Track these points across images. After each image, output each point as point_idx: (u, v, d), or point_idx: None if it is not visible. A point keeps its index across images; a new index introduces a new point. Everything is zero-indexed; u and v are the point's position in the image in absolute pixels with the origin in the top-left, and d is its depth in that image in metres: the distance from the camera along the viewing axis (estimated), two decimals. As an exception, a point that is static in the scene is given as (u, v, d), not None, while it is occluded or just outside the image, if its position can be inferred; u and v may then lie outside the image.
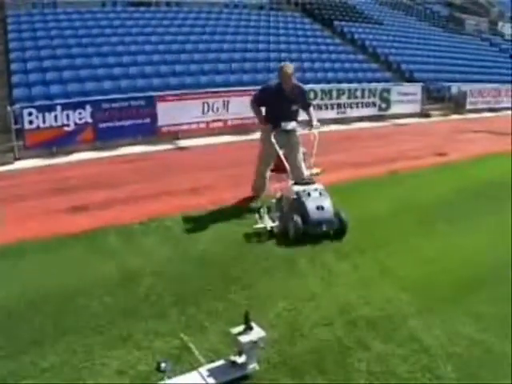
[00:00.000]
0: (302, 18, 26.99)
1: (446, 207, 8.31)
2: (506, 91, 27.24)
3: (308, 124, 8.12)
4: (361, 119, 19.78)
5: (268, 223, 6.93)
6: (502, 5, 45.44)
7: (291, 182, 7.30)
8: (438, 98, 23.83)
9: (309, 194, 6.90)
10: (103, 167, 11.75)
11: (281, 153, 7.66)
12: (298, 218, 6.63)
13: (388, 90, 21.49)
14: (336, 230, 6.78)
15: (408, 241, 6.73)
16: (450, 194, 9.05)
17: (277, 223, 6.95)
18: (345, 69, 22.02)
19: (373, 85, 21.15)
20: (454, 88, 24.35)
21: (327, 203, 6.85)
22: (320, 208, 6.75)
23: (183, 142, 15.05)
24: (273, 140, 7.68)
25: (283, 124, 7.94)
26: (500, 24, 40.75)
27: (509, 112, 25.62)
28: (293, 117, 8.18)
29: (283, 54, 21.23)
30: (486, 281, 5.53)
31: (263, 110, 8.34)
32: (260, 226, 6.90)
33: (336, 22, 27.19)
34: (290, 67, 7.95)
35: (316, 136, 7.75)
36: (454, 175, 10.81)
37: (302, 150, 8.27)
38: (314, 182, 7.17)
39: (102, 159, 12.71)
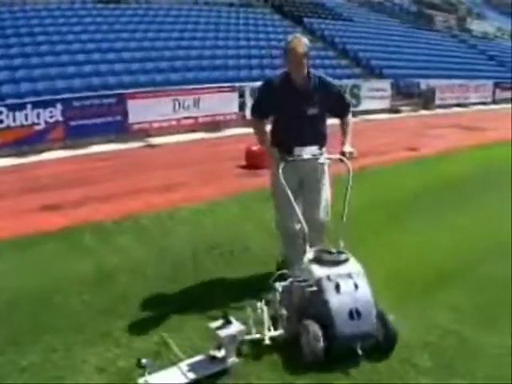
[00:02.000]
0: (271, 14, 27.09)
1: (416, 202, 8.41)
2: (474, 87, 27.66)
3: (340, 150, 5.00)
4: (329, 116, 19.87)
5: (266, 332, 4.14)
6: (470, 2, 46.12)
7: (308, 255, 4.39)
8: (407, 93, 24.16)
9: (337, 287, 4.01)
10: (75, 166, 11.69)
11: (292, 199, 4.64)
12: (316, 330, 3.89)
13: (358, 86, 21.69)
14: (378, 344, 4.06)
15: (380, 236, 6.81)
16: (421, 189, 9.17)
17: (281, 331, 4.21)
18: (315, 65, 22.03)
19: (343, 81, 21.27)
20: (423, 84, 24.68)
21: (367, 303, 4.02)
22: (355, 314, 3.94)
23: (154, 140, 15.05)
24: (281, 179, 4.64)
25: (297, 149, 4.82)
26: (468, 20, 41.31)
27: (476, 107, 26.04)
28: (312, 131, 5.00)
29: (253, 51, 21.31)
30: (457, 274, 5.64)
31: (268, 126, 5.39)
32: (252, 337, 4.12)
33: (306, 19, 27.30)
34: (301, 42, 4.81)
35: (350, 169, 4.77)
36: (425, 170, 10.97)
37: (328, 193, 5.26)
38: (346, 260, 4.27)
39: (73, 158, 12.66)
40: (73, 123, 13.98)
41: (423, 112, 23.66)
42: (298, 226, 5.01)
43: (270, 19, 26.27)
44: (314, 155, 4.88)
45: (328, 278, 4.06)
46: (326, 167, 5.11)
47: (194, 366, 3.77)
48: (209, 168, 10.93)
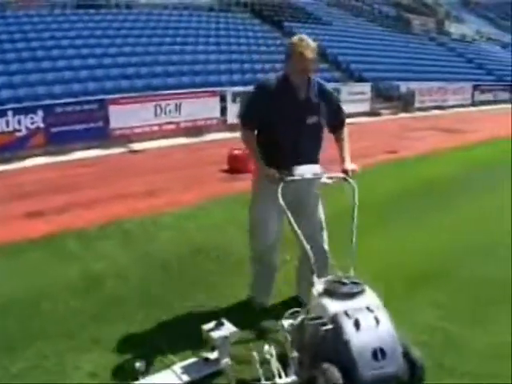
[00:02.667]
0: (251, 19, 27.14)
1: (398, 204, 8.52)
2: (452, 90, 27.93)
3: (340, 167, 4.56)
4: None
5: (278, 381, 3.62)
6: (448, 5, 46.56)
7: (317, 287, 3.78)
8: (387, 96, 24.32)
9: (357, 323, 3.40)
10: (57, 172, 11.61)
11: (295, 225, 4.03)
12: (336, 374, 3.26)
13: (338, 90, 21.72)
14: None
15: (361, 238, 6.86)
16: (402, 191, 9.30)
17: (293, 377, 3.66)
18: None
19: (323, 85, 21.39)
20: (403, 87, 24.88)
21: (391, 340, 3.42)
22: (379, 354, 3.33)
23: (136, 145, 14.99)
24: (280, 200, 4.04)
25: (297, 167, 4.22)
26: (447, 23, 41.69)
27: (455, 109, 26.28)
28: (310, 143, 4.58)
29: (234, 56, 21.37)
30: (439, 274, 5.74)
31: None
32: None
33: (286, 23, 27.40)
34: (310, 46, 4.20)
35: (355, 188, 4.39)
36: (405, 172, 11.10)
37: (322, 213, 4.87)
38: (363, 291, 3.67)
39: (55, 164, 12.57)
40: (54, 130, 13.89)
41: (403, 115, 23.83)
42: (275, 256, 4.86)
43: (250, 24, 26.34)
44: (315, 174, 4.31)
45: (346, 313, 3.44)
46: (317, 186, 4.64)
47: (187, 369, 3.80)
48: (191, 173, 10.96)
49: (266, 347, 3.76)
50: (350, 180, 4.38)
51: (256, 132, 4.56)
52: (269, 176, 4.23)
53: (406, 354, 3.45)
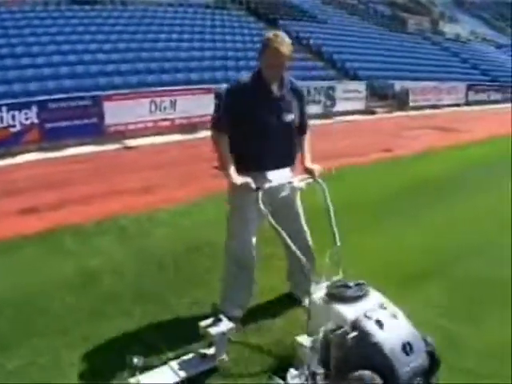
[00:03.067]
0: (246, 16, 27.12)
1: (393, 202, 8.52)
2: (447, 89, 28.02)
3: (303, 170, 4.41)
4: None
5: None
6: (443, 5, 46.67)
7: (318, 293, 3.71)
8: (381, 95, 24.34)
9: (379, 323, 3.38)
10: (51, 168, 11.58)
11: (279, 228, 4.03)
12: (375, 378, 3.22)
13: (333, 88, 21.86)
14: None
15: (358, 237, 6.87)
16: (397, 189, 9.30)
17: None
18: (290, 67, 22.20)
19: (318, 83, 21.43)
20: (398, 85, 24.93)
21: (412, 333, 3.48)
22: (408, 348, 3.35)
23: (131, 142, 14.97)
24: (262, 207, 3.91)
25: (270, 174, 4.18)
26: (441, 23, 41.80)
27: (450, 109, 26.36)
28: (288, 144, 4.37)
29: (229, 53, 21.35)
30: (434, 272, 5.77)
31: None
32: None
33: (281, 21, 27.38)
34: (285, 41, 4.12)
35: (325, 189, 4.23)
36: (399, 170, 11.12)
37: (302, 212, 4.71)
38: (369, 290, 3.69)
39: (49, 160, 12.54)
40: (48, 125, 13.86)
41: (398, 113, 23.90)
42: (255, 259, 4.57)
43: (245, 21, 26.31)
44: (289, 179, 4.25)
45: (366, 316, 3.41)
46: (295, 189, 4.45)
47: (184, 365, 3.79)
48: (186, 169, 10.94)
49: (293, 371, 3.50)
50: (320, 181, 4.25)
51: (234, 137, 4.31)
52: (243, 187, 4.01)
53: (426, 343, 3.49)
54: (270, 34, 4.20)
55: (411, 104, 25.51)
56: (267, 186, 3.98)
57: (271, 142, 4.23)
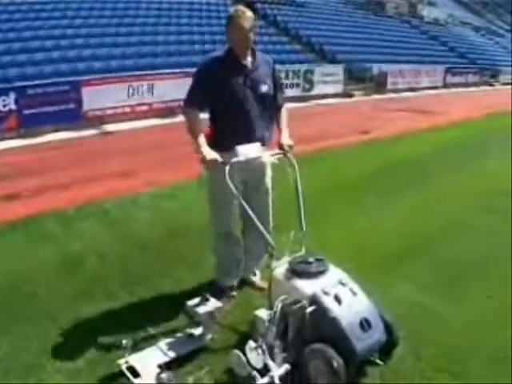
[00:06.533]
0: (224, 0, 27.00)
1: (370, 184, 8.65)
2: (425, 72, 28.22)
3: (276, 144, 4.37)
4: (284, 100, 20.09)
5: (274, 373, 3.42)
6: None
7: (279, 269, 3.77)
8: (359, 78, 24.47)
9: (337, 299, 3.48)
10: (31, 155, 11.51)
11: (248, 209, 3.90)
12: (331, 352, 3.32)
13: (311, 71, 21.91)
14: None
15: (341, 216, 6.99)
16: (374, 171, 9.45)
17: (286, 365, 3.51)
18: (267, 50, 22.15)
19: (296, 66, 21.49)
20: (376, 68, 25.04)
21: (371, 309, 3.59)
22: (365, 324, 3.46)
23: (109, 127, 14.97)
24: (229, 183, 3.83)
25: (241, 148, 4.02)
26: (419, 7, 41.92)
27: (428, 91, 26.55)
28: (264, 116, 4.40)
29: (207, 37, 21.29)
30: (412, 251, 5.88)
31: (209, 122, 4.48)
32: (261, 382, 3.41)
33: (259, 5, 27.30)
34: (246, 15, 4.17)
35: (296, 166, 4.16)
36: (378, 152, 11.25)
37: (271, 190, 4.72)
38: (329, 266, 3.75)
39: (29, 146, 12.44)
40: (27, 112, 13.72)
41: (375, 96, 24.03)
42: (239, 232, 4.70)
43: (223, 5, 26.18)
44: (258, 154, 4.17)
45: (324, 291, 3.48)
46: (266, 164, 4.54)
47: (172, 345, 3.85)
48: (167, 153, 10.93)
49: (252, 344, 3.49)
50: (290, 156, 4.22)
51: (209, 115, 4.42)
52: (212, 162, 4.00)
53: (383, 320, 3.60)
54: (233, 10, 4.29)
55: (389, 87, 25.66)
56: (234, 160, 3.94)
57: (248, 115, 4.29)
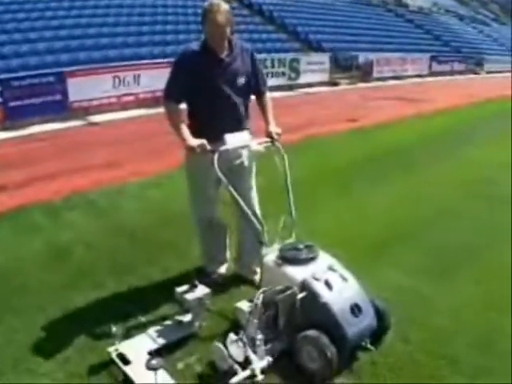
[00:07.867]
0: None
1: (358, 172, 8.69)
2: (410, 60, 28.32)
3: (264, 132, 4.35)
4: (270, 89, 20.04)
5: (255, 366, 3.37)
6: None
7: (270, 256, 3.78)
8: (345, 66, 24.50)
9: (328, 284, 3.51)
10: (16, 147, 11.44)
11: (236, 195, 3.94)
12: (322, 338, 3.36)
13: (297, 60, 21.93)
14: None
15: (329, 204, 7.02)
16: (362, 159, 9.50)
17: (268, 358, 3.47)
18: (253, 39, 22.14)
19: (282, 55, 21.49)
20: (362, 57, 25.09)
21: (361, 294, 3.63)
22: (356, 309, 3.49)
23: (95, 118, 14.92)
24: (218, 172, 3.84)
25: (228, 137, 3.98)
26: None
27: (413, 80, 26.65)
28: (242, 107, 4.38)
29: (192, 26, 21.20)
30: (400, 238, 5.93)
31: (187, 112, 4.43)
32: (242, 376, 3.34)
33: (243, -6, 27.24)
34: (221, 9, 4.01)
35: (284, 155, 4.17)
36: (365, 140, 11.30)
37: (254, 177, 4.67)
38: (319, 253, 3.77)
39: (14, 139, 12.37)
40: (12, 104, 13.62)
41: (361, 85, 24.09)
42: (220, 217, 4.73)
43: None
44: (246, 142, 4.14)
45: (314, 277, 3.50)
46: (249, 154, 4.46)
47: (162, 332, 3.86)
48: (153, 143, 10.88)
49: (233, 336, 3.46)
50: (278, 144, 4.22)
51: (188, 108, 4.38)
52: (199, 148, 3.94)
53: (373, 305, 3.64)
54: (207, 3, 4.09)
55: (375, 75, 25.72)
56: (223, 148, 3.92)
57: (225, 108, 4.24)
